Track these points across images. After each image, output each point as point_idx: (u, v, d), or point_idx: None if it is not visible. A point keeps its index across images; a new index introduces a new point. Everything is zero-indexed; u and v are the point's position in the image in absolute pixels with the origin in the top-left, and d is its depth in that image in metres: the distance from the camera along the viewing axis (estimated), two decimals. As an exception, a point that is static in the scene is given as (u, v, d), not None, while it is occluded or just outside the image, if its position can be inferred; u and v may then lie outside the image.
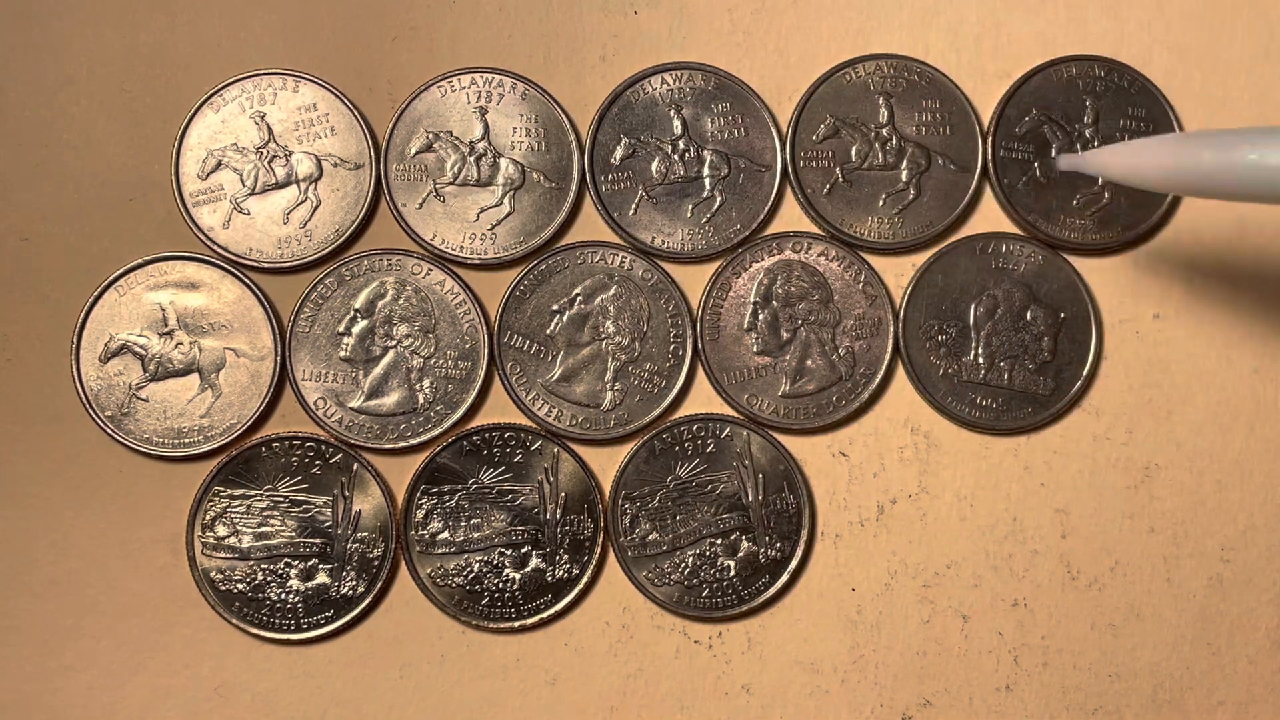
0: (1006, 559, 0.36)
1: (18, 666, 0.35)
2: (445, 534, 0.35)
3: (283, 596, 0.35)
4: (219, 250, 0.35)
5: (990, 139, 0.36)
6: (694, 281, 0.36)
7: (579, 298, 0.36)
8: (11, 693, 0.35)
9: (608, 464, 0.36)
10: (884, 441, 0.36)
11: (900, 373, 0.36)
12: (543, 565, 0.35)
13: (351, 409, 0.35)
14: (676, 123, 0.36)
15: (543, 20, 0.36)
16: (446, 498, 0.35)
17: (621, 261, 0.36)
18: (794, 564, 0.35)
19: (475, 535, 0.35)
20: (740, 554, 0.35)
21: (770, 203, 0.36)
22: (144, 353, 0.35)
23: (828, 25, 0.37)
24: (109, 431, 0.35)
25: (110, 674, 0.35)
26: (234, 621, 0.35)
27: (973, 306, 0.36)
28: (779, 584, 0.35)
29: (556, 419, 0.35)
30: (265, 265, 0.35)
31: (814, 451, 0.36)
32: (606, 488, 0.35)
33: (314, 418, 0.35)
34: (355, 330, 0.35)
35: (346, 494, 0.35)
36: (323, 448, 0.35)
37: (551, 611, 0.35)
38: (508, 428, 0.35)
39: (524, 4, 0.36)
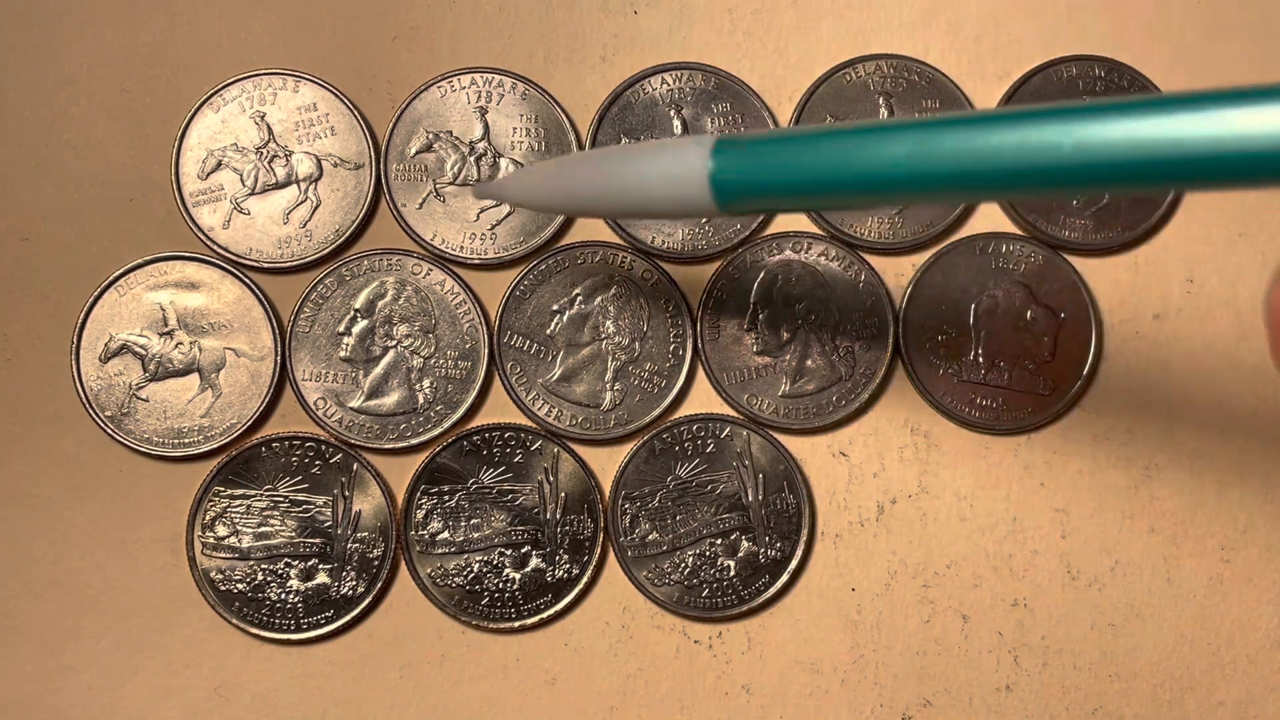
0: (1006, 559, 0.36)
1: (18, 666, 0.35)
2: (445, 534, 0.35)
3: (283, 596, 0.35)
4: (219, 250, 0.35)
5: (990, 139, 0.36)
6: (694, 281, 0.36)
7: (579, 298, 0.36)
8: (11, 693, 0.35)
9: (608, 464, 0.36)
10: (884, 441, 0.36)
11: (900, 373, 0.36)
12: (543, 565, 0.35)
13: (351, 409, 0.35)
14: (676, 123, 0.36)
15: (543, 20, 0.36)
16: (446, 498, 0.35)
17: (621, 261, 0.36)
18: (794, 564, 0.35)
19: (475, 535, 0.35)
20: (740, 554, 0.35)
21: (770, 203, 0.36)
22: (144, 353, 0.35)
23: (828, 25, 0.37)
24: (109, 431, 0.35)
25: (110, 674, 0.35)
26: (234, 621, 0.35)
27: (973, 306, 0.36)
28: (779, 584, 0.35)
29: (556, 419, 0.35)
30: (265, 265, 0.35)
31: (814, 451, 0.36)
32: (606, 488, 0.35)
33: (314, 418, 0.35)
34: (355, 330, 0.35)
35: (346, 494, 0.35)
36: (323, 448, 0.35)
37: (551, 611, 0.35)
38: (508, 428, 0.35)
39: (524, 4, 0.36)
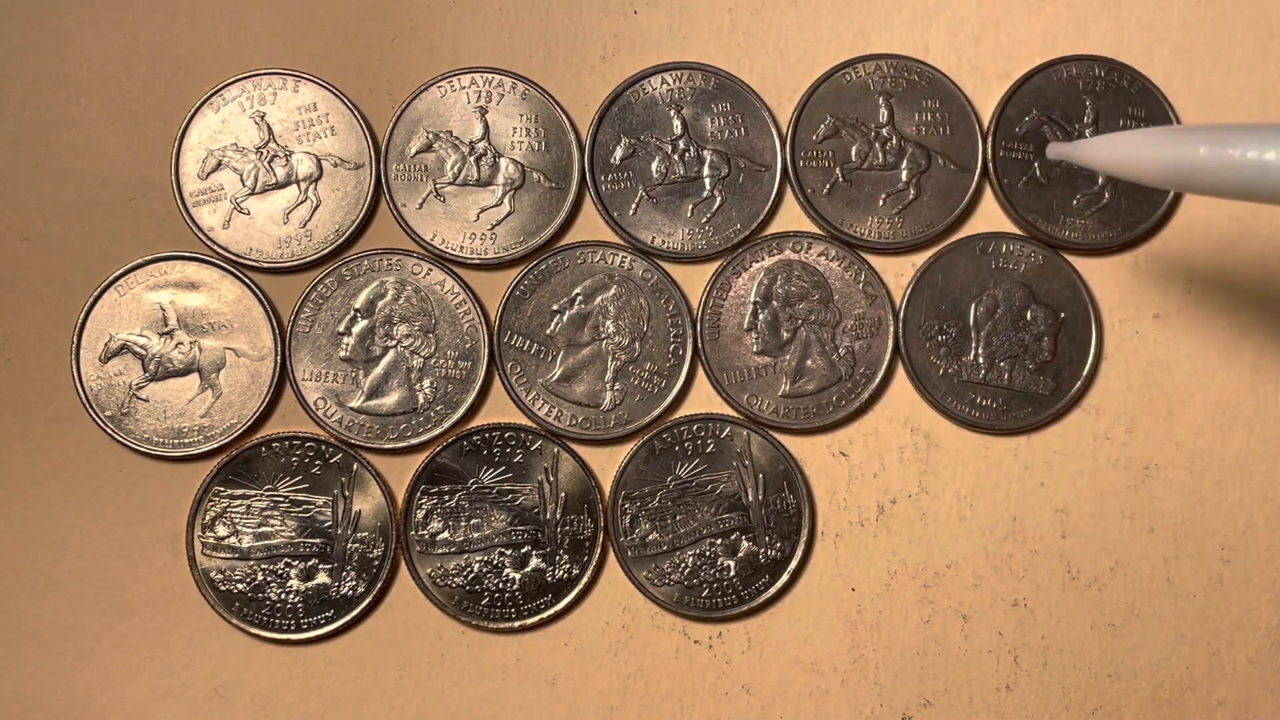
0: (1006, 559, 0.36)
1: (18, 666, 0.35)
2: (445, 534, 0.35)
3: (283, 596, 0.35)
4: (219, 250, 0.35)
5: (990, 139, 0.36)
6: (694, 281, 0.36)
7: (579, 298, 0.36)
8: (11, 693, 0.35)
9: (608, 464, 0.36)
10: (884, 441, 0.36)
11: (900, 373, 0.36)
12: (543, 565, 0.35)
13: (351, 409, 0.35)
14: (676, 123, 0.36)
15: (543, 20, 0.36)
16: (446, 498, 0.35)
17: (621, 261, 0.36)
18: (794, 564, 0.35)
19: (475, 535, 0.35)
20: (740, 554, 0.35)
21: (770, 203, 0.36)
22: (144, 353, 0.35)
23: (828, 25, 0.37)
24: (109, 431, 0.35)
25: (110, 674, 0.35)
26: (234, 621, 0.35)
27: (973, 306, 0.36)
28: (779, 584, 0.35)
29: (556, 419, 0.35)
30: (265, 265, 0.35)
31: (814, 451, 0.36)
32: (606, 488, 0.35)
33: (314, 418, 0.35)
34: (355, 330, 0.35)
35: (346, 494, 0.35)
36: (323, 448, 0.35)
37: (551, 611, 0.35)
38: (508, 428, 0.35)
39: (524, 4, 0.36)
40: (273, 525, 0.35)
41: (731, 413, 0.36)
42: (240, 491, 0.35)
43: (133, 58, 0.36)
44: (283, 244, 0.35)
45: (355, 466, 0.35)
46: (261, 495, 0.35)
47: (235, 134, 0.36)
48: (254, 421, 0.35)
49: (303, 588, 0.35)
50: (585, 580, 0.35)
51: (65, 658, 0.35)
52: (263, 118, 0.36)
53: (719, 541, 0.35)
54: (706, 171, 0.36)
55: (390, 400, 0.35)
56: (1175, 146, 0.27)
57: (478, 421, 0.36)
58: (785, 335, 0.36)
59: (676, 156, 0.36)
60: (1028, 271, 0.36)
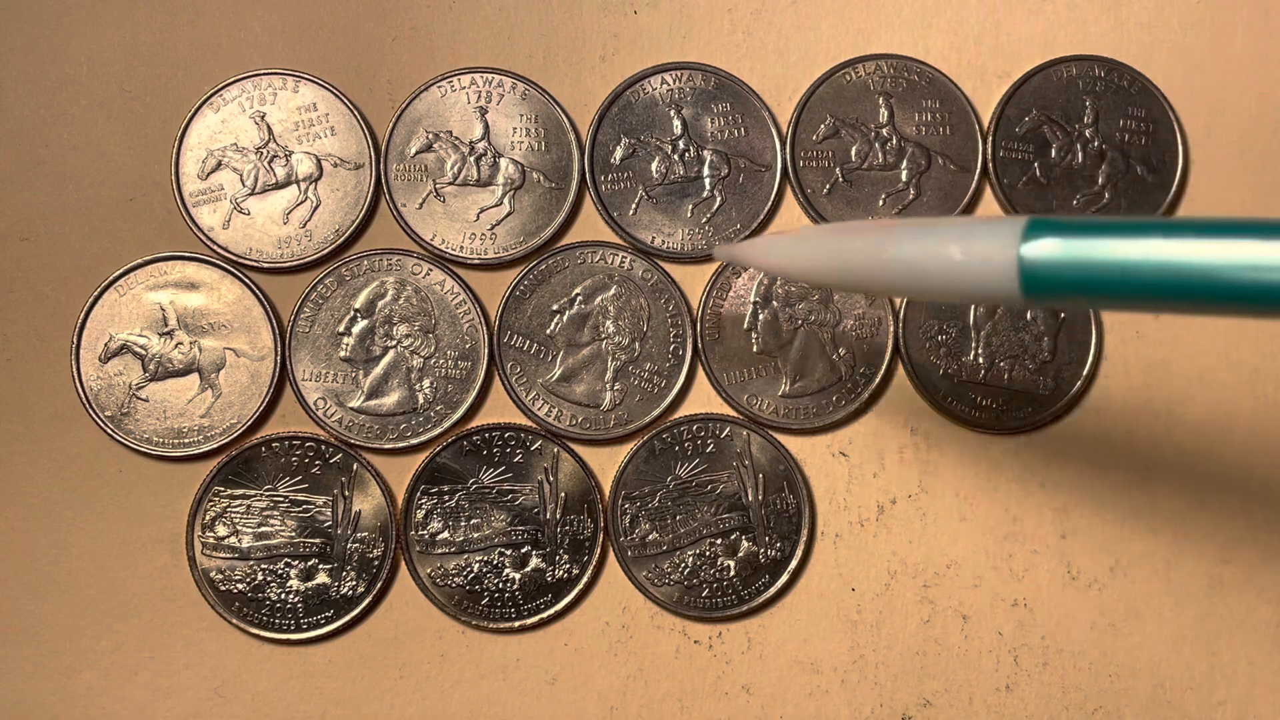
0: (1006, 559, 0.36)
1: (17, 666, 0.35)
2: (445, 534, 0.35)
3: (283, 596, 0.35)
4: (219, 250, 0.35)
5: (990, 139, 0.36)
6: (694, 281, 0.36)
7: (579, 298, 0.36)
8: (11, 693, 0.35)
9: (608, 464, 0.36)
10: (884, 441, 0.36)
11: (900, 373, 0.36)
12: (543, 565, 0.35)
13: (351, 409, 0.35)
14: (676, 123, 0.36)
15: (543, 20, 0.36)
16: (446, 498, 0.35)
17: (621, 261, 0.36)
18: (794, 564, 0.35)
19: (475, 535, 0.35)
20: (740, 554, 0.35)
21: (770, 203, 0.36)
22: (144, 353, 0.35)
23: (828, 25, 0.37)
24: (109, 431, 0.35)
25: (110, 674, 0.35)
26: (234, 621, 0.35)
27: (973, 306, 0.36)
28: (779, 584, 0.35)
29: (556, 419, 0.35)
30: (265, 265, 0.35)
31: (814, 451, 0.36)
32: (606, 488, 0.35)
33: (314, 418, 0.35)
34: (355, 330, 0.35)
35: (346, 494, 0.35)
36: (323, 448, 0.35)
37: (551, 611, 0.35)
38: (508, 428, 0.35)
39: (524, 4, 0.36)
40: (273, 525, 0.35)
41: (731, 413, 0.36)
42: (240, 491, 0.35)
43: (133, 58, 0.36)
44: (283, 244, 0.35)
45: (355, 466, 0.35)
46: (261, 495, 0.35)
47: (235, 134, 0.36)
48: (254, 421, 0.35)
49: (303, 588, 0.35)
50: (585, 580, 0.35)
51: (65, 658, 0.35)
52: (263, 118, 0.36)
53: (719, 541, 0.35)
54: (706, 171, 0.36)
55: (390, 400, 0.35)
56: (837, 249, 0.26)
57: (478, 421, 0.36)
58: (785, 335, 0.36)
59: (676, 156, 0.36)
60: (1028, 271, 0.36)
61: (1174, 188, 0.36)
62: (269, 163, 0.36)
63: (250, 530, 0.35)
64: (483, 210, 0.36)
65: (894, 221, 0.27)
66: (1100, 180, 0.36)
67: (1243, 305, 0.20)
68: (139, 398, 0.35)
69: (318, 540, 0.35)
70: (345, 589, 0.35)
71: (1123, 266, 0.21)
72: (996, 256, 0.23)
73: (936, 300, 0.26)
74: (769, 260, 0.28)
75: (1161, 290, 0.21)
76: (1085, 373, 0.36)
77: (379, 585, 0.35)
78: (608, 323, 0.36)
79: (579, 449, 0.35)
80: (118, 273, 0.35)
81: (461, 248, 0.36)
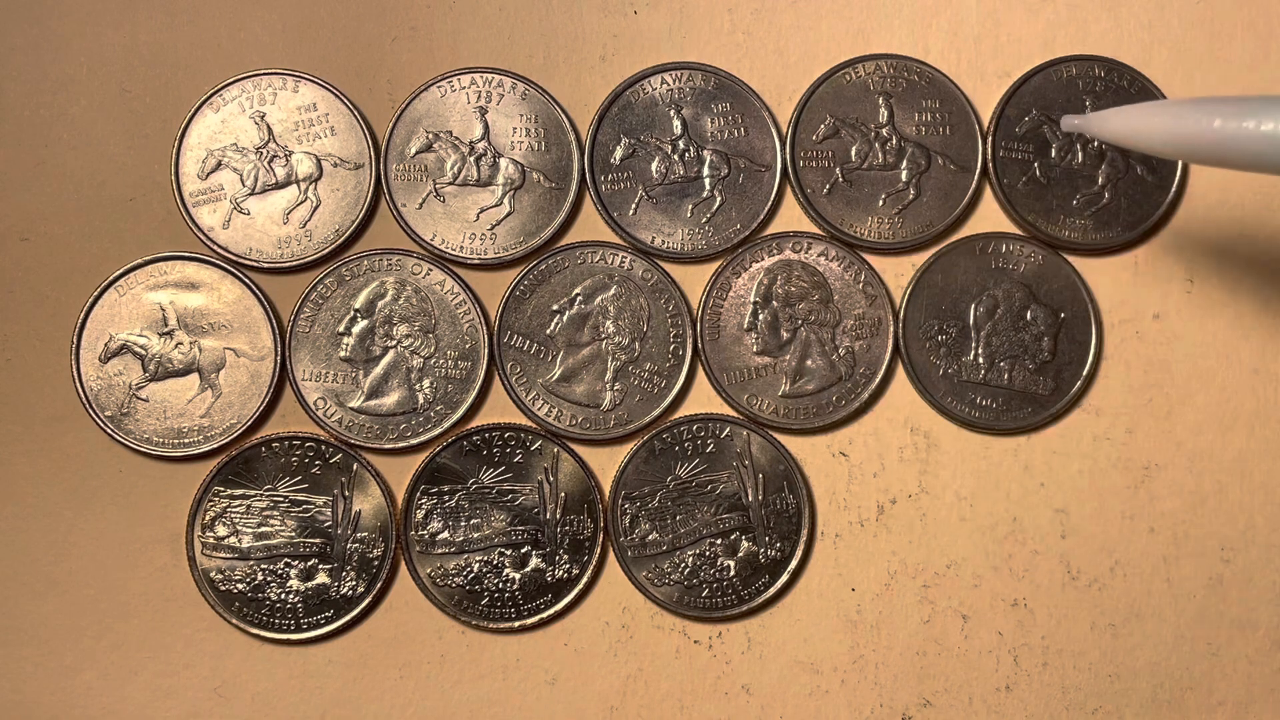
0: (1006, 559, 0.36)
1: (17, 666, 0.35)
2: (445, 534, 0.35)
3: (283, 596, 0.35)
4: (219, 250, 0.35)
5: (990, 139, 0.36)
6: (694, 281, 0.36)
7: (579, 298, 0.36)
8: (11, 693, 0.35)
9: (608, 464, 0.36)
10: (884, 441, 0.36)
11: (900, 373, 0.36)
12: (543, 565, 0.35)
13: (351, 409, 0.35)
14: (676, 123, 0.36)
15: (543, 20, 0.36)
16: (446, 498, 0.35)
17: (621, 261, 0.36)
18: (794, 564, 0.35)
19: (475, 535, 0.35)
20: (740, 554, 0.35)
21: (770, 203, 0.36)
22: (144, 353, 0.35)
23: (828, 25, 0.37)
24: (109, 431, 0.35)
25: (110, 674, 0.35)
26: (234, 621, 0.35)
27: (973, 306, 0.36)
28: (779, 584, 0.35)
29: (556, 419, 0.35)
30: (265, 265, 0.35)
31: (814, 451, 0.36)
32: (606, 488, 0.35)
33: (314, 418, 0.35)
34: (355, 330, 0.35)
35: (346, 494, 0.35)
36: (323, 448, 0.35)
37: (551, 611, 0.35)
38: (508, 428, 0.35)
39: (524, 4, 0.36)
40: (273, 525, 0.35)
41: (731, 413, 0.36)
42: (240, 491, 0.35)
43: (133, 58, 0.36)
44: (283, 244, 0.35)
45: (355, 466, 0.35)
46: (261, 495, 0.35)
47: (235, 134, 0.36)
48: (254, 421, 0.35)
49: (303, 588, 0.35)
50: (585, 580, 0.35)
51: (65, 658, 0.35)
52: (263, 118, 0.36)
53: (719, 541, 0.35)
54: (706, 171, 0.36)
55: (390, 400, 0.35)
56: (1189, 119, 0.27)
57: (478, 421, 0.36)
58: (785, 335, 0.36)
59: (676, 156, 0.36)
60: (1028, 271, 0.36)
61: (1174, 188, 0.36)
62: (269, 163, 0.36)
63: (250, 530, 0.35)
64: (483, 210, 0.36)
65: (1254, 97, 0.27)
66: (1100, 180, 0.36)
67: None
68: (139, 398, 0.35)
69: (318, 540, 0.35)
70: (345, 589, 0.35)
71: None
72: None
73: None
74: (1118, 131, 0.28)
75: None
76: (1085, 373, 0.36)
77: (379, 585, 0.35)
78: (608, 323, 0.36)
79: (579, 449, 0.35)
80: (118, 273, 0.35)
81: (461, 248, 0.36)
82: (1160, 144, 0.28)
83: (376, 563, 0.35)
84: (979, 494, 0.36)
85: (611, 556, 0.35)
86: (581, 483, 0.35)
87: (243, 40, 0.36)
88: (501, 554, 0.35)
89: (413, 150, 0.36)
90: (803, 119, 0.36)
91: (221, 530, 0.35)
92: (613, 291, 0.36)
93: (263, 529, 0.35)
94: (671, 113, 0.36)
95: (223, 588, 0.35)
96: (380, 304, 0.35)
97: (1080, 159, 0.36)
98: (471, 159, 0.36)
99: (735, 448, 0.35)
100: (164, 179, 0.36)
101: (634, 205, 0.36)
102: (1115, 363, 0.36)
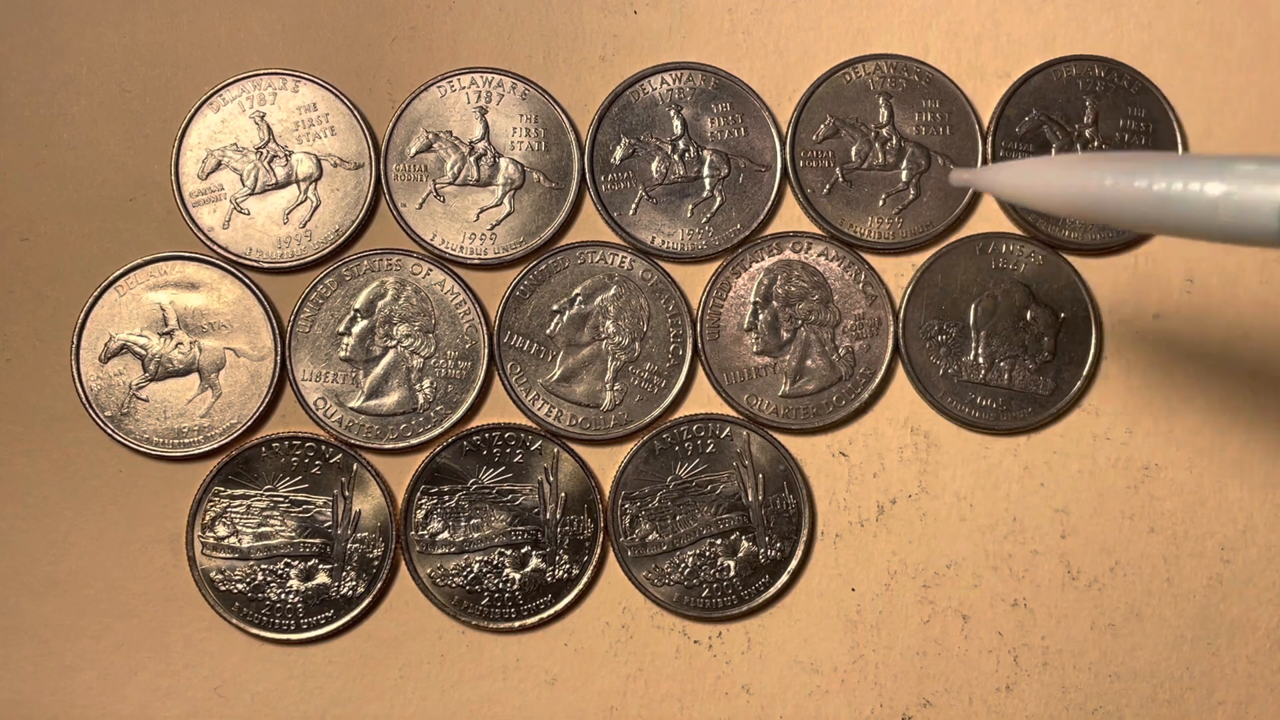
0: (1006, 559, 0.36)
1: (18, 666, 0.35)
2: (445, 534, 0.35)
3: (283, 596, 0.35)
4: (219, 250, 0.35)
5: (990, 139, 0.36)
6: (694, 281, 0.36)
7: (579, 298, 0.36)
8: (11, 693, 0.35)
9: (608, 464, 0.36)
10: (884, 441, 0.36)
11: (900, 373, 0.36)
12: (543, 565, 0.35)
13: (351, 409, 0.35)
14: (676, 123, 0.36)
15: (543, 20, 0.36)
16: (446, 498, 0.35)
17: (621, 261, 0.36)
18: (794, 564, 0.35)
19: (475, 535, 0.35)
20: (740, 554, 0.35)
21: (770, 203, 0.36)
22: (144, 353, 0.35)
23: (828, 25, 0.37)
24: (109, 431, 0.35)
25: (110, 674, 0.35)
26: (234, 621, 0.35)
27: (973, 306, 0.36)
28: (779, 584, 0.35)
29: (556, 419, 0.35)
30: (265, 265, 0.35)
31: (814, 451, 0.36)
32: (606, 488, 0.35)
33: (314, 418, 0.35)
34: (355, 330, 0.35)
35: (346, 494, 0.35)
36: (323, 448, 0.35)
37: (551, 611, 0.35)
38: (508, 428, 0.35)
39: (524, 4, 0.36)
40: (273, 525, 0.35)
41: (731, 413, 0.36)
42: (240, 491, 0.35)
43: (133, 58, 0.36)
44: (283, 244, 0.35)
45: (355, 466, 0.35)
46: (261, 495, 0.35)
47: (235, 134, 0.36)
48: (254, 421, 0.35)
49: (303, 588, 0.35)
50: (585, 580, 0.35)
51: (65, 658, 0.35)
52: (263, 118, 0.36)
53: (719, 541, 0.35)
54: (706, 171, 0.36)
55: (390, 400, 0.35)
56: (1079, 175, 0.26)
57: (478, 421, 0.36)
58: (785, 335, 0.36)
59: (676, 156, 0.36)
60: (1028, 271, 0.36)
61: (1174, 188, 0.36)
62: (269, 163, 0.36)
63: (250, 530, 0.35)
64: (483, 210, 0.36)
65: (1143, 154, 0.27)
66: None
67: None
68: (139, 398, 0.35)
69: (318, 540, 0.35)
70: (345, 589, 0.35)
71: None
72: (1258, 198, 0.23)
73: (1181, 235, 0.26)
74: (1003, 185, 0.27)
75: None
76: (1085, 373, 0.36)
77: (379, 585, 0.35)
78: (608, 323, 0.36)
79: (579, 449, 0.35)
80: (118, 273, 0.35)
81: (461, 248, 0.36)
82: (1047, 200, 0.27)
83: (376, 563, 0.35)
84: (979, 494, 0.36)
85: (611, 556, 0.35)
86: (581, 483, 0.35)
87: (243, 40, 0.36)
88: (501, 554, 0.35)
89: (413, 150, 0.36)
90: (803, 119, 0.36)
91: (221, 530, 0.35)
92: (613, 291, 0.36)
93: (263, 529, 0.35)
94: (671, 113, 0.36)
95: (223, 588, 0.35)
96: (380, 304, 0.35)
97: (1080, 159, 0.36)
98: (471, 159, 0.36)
99: (735, 448, 0.35)
100: (164, 179, 0.36)
101: (634, 205, 0.36)
102: (1115, 363, 0.36)
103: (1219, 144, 0.36)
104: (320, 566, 0.35)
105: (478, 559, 0.35)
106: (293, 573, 0.35)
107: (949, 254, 0.36)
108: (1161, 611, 0.36)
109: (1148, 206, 0.25)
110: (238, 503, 0.35)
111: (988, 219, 0.36)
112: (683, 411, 0.36)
